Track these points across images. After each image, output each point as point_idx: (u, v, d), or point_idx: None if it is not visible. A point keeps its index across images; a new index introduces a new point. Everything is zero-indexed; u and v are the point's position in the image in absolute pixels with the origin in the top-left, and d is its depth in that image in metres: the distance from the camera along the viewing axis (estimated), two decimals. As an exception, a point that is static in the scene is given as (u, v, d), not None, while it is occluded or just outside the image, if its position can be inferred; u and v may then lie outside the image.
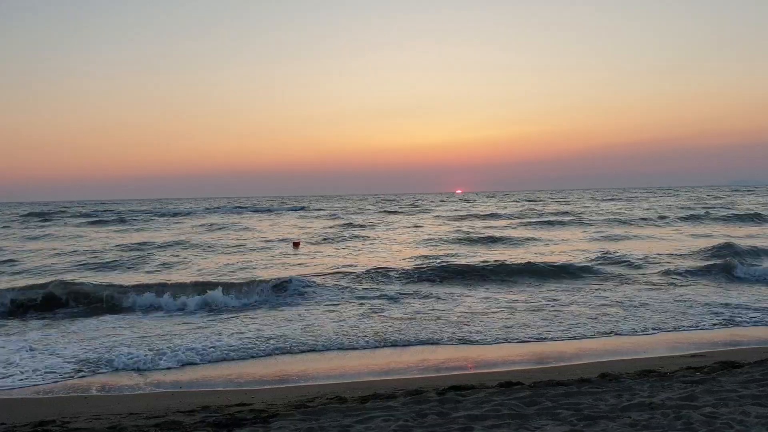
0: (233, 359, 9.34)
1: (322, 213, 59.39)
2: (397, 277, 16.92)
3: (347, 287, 15.34)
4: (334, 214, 52.44)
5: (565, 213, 47.89)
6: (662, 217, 39.74)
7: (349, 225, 40.29)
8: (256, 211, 66.91)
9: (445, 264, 18.59)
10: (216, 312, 13.01)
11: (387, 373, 8.46)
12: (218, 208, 73.40)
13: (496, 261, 19.06)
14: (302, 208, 70.14)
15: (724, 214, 41.10)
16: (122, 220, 49.03)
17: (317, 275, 17.29)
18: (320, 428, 5.60)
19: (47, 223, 48.29)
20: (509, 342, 10.09)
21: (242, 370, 8.77)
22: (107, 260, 22.44)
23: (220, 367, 8.99)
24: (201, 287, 14.49)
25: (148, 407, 6.82)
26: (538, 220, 40.46)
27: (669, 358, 8.60)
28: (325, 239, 30.24)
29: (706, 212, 42.95)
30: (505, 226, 36.98)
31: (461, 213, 52.51)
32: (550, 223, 37.83)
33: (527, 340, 10.18)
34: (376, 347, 9.91)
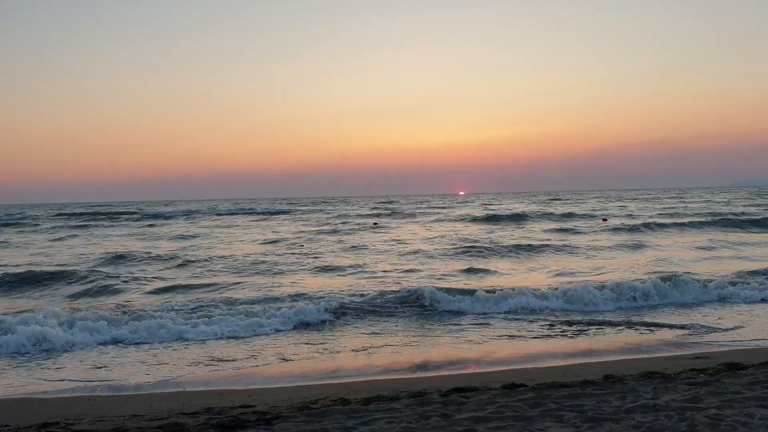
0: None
1: (317, 217, 55.64)
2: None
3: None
4: (328, 222, 48.12)
5: (585, 216, 45.52)
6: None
7: (348, 231, 37.10)
8: (246, 213, 64.52)
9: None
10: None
11: (390, 373, 8.47)
12: (197, 211, 70.22)
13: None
14: (289, 212, 66.82)
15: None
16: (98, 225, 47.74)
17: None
18: (323, 430, 5.60)
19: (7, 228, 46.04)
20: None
21: (244, 372, 8.79)
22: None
23: (222, 368, 9.00)
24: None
25: (152, 409, 6.82)
26: (553, 226, 37.52)
27: (672, 360, 8.58)
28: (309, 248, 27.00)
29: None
30: (519, 232, 33.90)
31: (482, 214, 49.90)
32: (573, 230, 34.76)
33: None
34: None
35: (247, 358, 9.50)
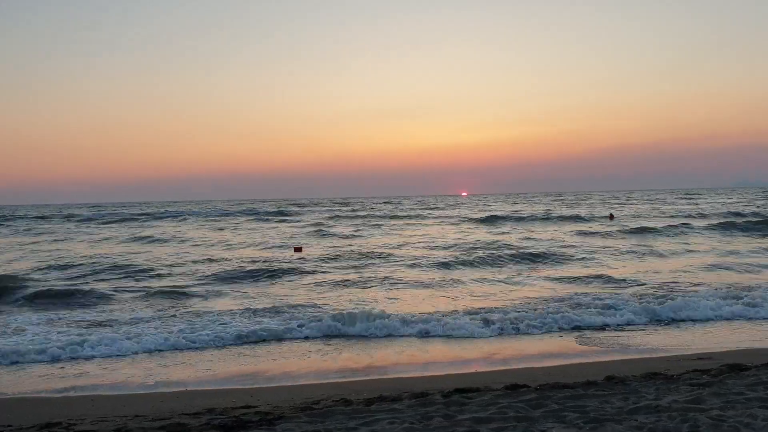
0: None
1: (314, 219, 53.07)
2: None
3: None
4: (323, 224, 45.59)
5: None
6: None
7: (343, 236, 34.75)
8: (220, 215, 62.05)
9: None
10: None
11: (393, 372, 8.48)
12: (196, 212, 69.06)
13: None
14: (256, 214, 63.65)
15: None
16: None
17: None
18: (326, 430, 5.59)
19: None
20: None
21: (247, 371, 8.80)
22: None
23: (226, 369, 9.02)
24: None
25: (154, 409, 6.83)
26: (558, 229, 34.91)
27: (675, 361, 8.57)
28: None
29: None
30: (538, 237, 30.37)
31: (484, 216, 47.59)
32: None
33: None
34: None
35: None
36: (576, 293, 14.52)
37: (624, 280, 16.66)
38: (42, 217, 64.33)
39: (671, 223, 35.67)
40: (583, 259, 22.07)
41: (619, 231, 32.13)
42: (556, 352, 9.67)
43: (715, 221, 36.64)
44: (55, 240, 36.37)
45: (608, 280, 16.96)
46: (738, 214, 42.36)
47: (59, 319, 12.76)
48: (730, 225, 34.00)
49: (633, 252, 23.82)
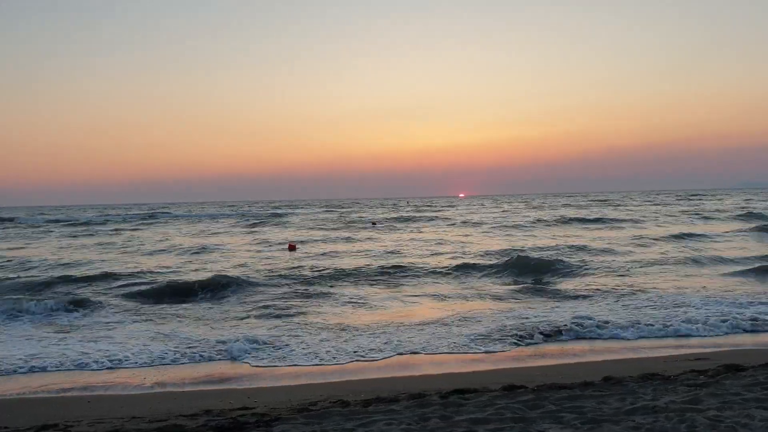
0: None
1: (306, 222, 52.07)
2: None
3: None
4: (311, 225, 45.19)
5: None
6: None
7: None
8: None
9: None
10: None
11: (390, 373, 8.46)
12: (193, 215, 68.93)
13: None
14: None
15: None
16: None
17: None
18: (323, 432, 5.58)
19: None
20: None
21: (243, 373, 8.78)
22: None
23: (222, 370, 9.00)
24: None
25: (150, 411, 6.81)
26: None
27: (672, 362, 8.58)
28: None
29: None
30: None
31: (483, 220, 46.36)
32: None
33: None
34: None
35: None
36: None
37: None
38: (9, 219, 64.13)
39: (704, 226, 33.78)
40: (584, 267, 19.53)
41: (623, 235, 30.05)
42: (551, 352, 9.67)
43: (744, 224, 34.29)
44: (28, 244, 35.50)
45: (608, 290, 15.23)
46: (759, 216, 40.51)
47: (42, 324, 12.56)
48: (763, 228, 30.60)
49: (625, 257, 22.35)
